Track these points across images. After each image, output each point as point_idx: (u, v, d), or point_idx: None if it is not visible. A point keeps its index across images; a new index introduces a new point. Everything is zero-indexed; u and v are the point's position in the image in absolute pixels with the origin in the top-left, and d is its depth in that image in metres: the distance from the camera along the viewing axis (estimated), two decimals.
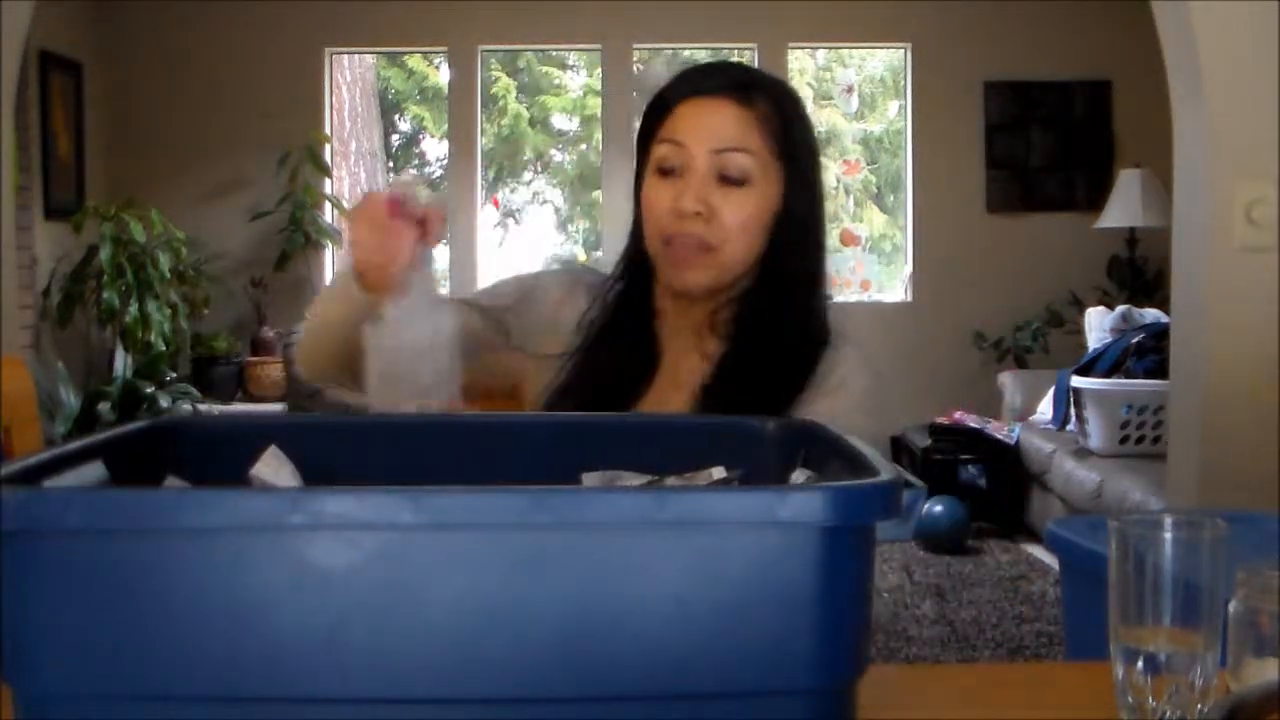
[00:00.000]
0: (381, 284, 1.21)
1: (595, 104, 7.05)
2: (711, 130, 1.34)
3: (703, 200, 1.34)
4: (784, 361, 1.37)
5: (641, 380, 1.41)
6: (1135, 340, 4.37)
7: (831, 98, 8.11)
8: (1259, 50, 2.52)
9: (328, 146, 5.84)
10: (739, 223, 1.34)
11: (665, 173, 1.36)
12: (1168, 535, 0.81)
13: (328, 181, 5.81)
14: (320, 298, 1.36)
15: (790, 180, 1.37)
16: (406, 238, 1.19)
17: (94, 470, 0.82)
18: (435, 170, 8.70)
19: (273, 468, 0.94)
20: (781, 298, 1.39)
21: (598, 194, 7.31)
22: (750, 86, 1.36)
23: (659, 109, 1.39)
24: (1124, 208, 5.28)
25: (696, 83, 1.38)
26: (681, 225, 1.34)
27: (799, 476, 0.90)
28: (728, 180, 1.34)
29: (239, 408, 5.32)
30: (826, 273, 1.44)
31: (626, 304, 1.44)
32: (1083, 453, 4.33)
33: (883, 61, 7.45)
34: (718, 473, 0.94)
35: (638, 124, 1.44)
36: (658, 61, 6.71)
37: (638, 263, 1.43)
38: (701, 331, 1.41)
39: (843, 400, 1.35)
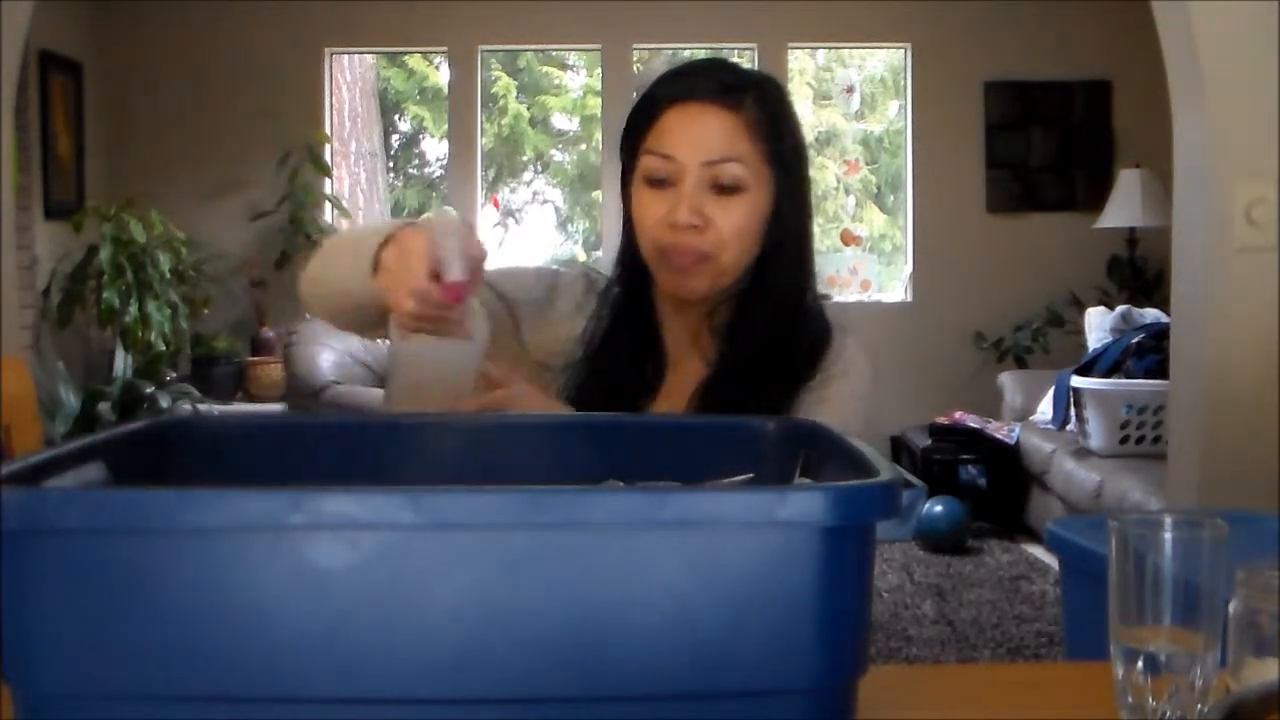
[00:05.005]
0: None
1: (595, 104, 7.05)
2: (701, 142, 1.32)
3: (697, 211, 1.31)
4: (783, 359, 1.37)
5: (652, 388, 1.40)
6: (1135, 340, 4.37)
7: (831, 98, 8.11)
8: (1259, 50, 2.51)
9: (328, 146, 5.84)
10: (735, 230, 1.32)
11: (654, 183, 1.34)
12: (1168, 535, 0.81)
13: (328, 181, 5.81)
14: (332, 256, 1.29)
15: (780, 182, 1.35)
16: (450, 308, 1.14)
17: (94, 470, 0.82)
18: (435, 170, 8.70)
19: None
20: (777, 296, 1.38)
21: (598, 194, 7.31)
22: (738, 89, 1.33)
23: (645, 114, 1.36)
24: (1124, 208, 5.28)
25: (683, 88, 1.34)
26: (677, 237, 1.32)
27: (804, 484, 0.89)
28: (721, 189, 1.32)
29: (239, 408, 5.31)
30: (814, 266, 1.42)
31: (629, 311, 1.42)
32: (1083, 453, 4.33)
33: (883, 61, 7.45)
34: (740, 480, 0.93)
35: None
36: (658, 61, 6.71)
37: (634, 268, 1.40)
38: (700, 335, 1.41)
39: (852, 382, 1.38)
